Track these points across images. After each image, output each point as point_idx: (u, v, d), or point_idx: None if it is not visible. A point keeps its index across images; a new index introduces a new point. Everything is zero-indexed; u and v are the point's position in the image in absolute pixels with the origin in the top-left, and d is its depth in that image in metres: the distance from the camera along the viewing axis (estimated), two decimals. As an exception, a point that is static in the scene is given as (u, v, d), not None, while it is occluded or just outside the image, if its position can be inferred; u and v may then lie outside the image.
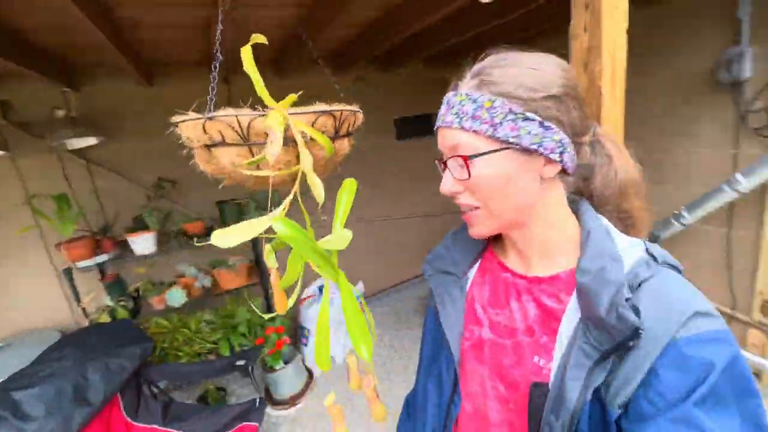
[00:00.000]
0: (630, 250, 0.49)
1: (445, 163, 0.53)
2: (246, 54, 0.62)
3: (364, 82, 3.20)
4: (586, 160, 0.55)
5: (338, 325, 2.78)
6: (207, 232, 2.34)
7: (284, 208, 0.59)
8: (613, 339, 0.43)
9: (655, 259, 0.48)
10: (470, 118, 0.49)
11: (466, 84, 0.51)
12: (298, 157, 0.62)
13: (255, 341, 2.30)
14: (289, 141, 0.63)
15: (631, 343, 0.42)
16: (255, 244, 2.54)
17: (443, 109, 0.53)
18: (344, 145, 0.78)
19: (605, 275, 0.46)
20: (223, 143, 0.66)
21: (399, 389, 2.41)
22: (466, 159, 0.49)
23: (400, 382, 2.49)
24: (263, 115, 0.62)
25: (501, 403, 0.56)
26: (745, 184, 1.83)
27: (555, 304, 0.52)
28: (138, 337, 1.75)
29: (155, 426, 1.78)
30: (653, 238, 2.17)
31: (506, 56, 0.51)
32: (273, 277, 0.63)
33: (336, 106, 0.69)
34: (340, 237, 0.56)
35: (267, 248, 0.64)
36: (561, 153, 0.50)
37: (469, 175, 0.50)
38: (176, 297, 2.14)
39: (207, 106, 0.88)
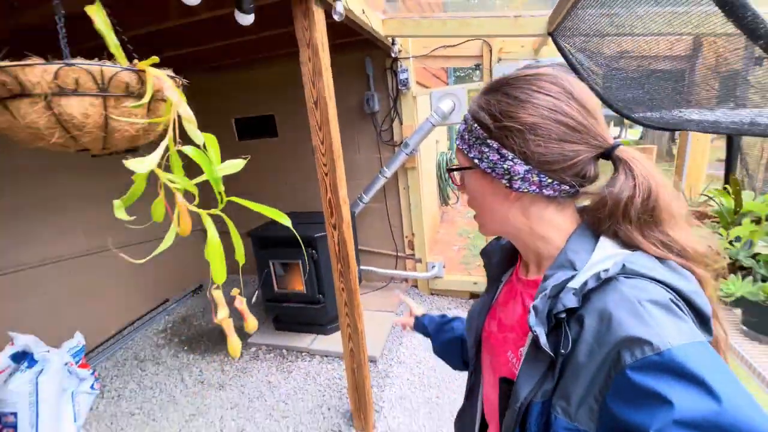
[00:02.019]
0: (600, 264, 0.48)
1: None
2: (95, 11, 0.71)
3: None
4: (589, 184, 0.53)
5: (62, 395, 2.12)
6: None
7: (168, 146, 0.73)
8: (538, 341, 0.46)
9: (608, 270, 0.45)
10: (460, 137, 0.58)
11: (476, 102, 0.57)
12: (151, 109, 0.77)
13: None
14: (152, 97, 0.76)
15: (562, 351, 0.44)
16: None
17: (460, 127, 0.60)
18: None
19: (546, 283, 0.49)
20: (75, 92, 0.69)
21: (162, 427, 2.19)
22: (450, 170, 0.61)
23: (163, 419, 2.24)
24: (134, 70, 0.72)
25: (491, 388, 0.63)
26: (388, 173, 3.04)
27: None
28: None
29: None
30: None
31: (507, 79, 0.54)
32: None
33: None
34: (233, 164, 0.78)
35: (117, 203, 0.73)
36: (509, 180, 0.53)
37: (462, 183, 0.61)
38: None
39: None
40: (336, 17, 1.50)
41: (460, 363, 0.91)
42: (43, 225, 2.66)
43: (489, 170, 0.54)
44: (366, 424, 2.00)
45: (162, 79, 0.75)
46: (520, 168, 0.51)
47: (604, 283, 0.45)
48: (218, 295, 0.90)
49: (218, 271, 0.81)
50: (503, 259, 0.69)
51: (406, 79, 2.90)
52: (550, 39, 2.07)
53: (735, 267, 1.24)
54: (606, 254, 0.49)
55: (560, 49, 2.02)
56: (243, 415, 2.18)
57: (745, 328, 1.13)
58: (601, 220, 0.51)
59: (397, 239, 3.43)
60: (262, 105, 3.49)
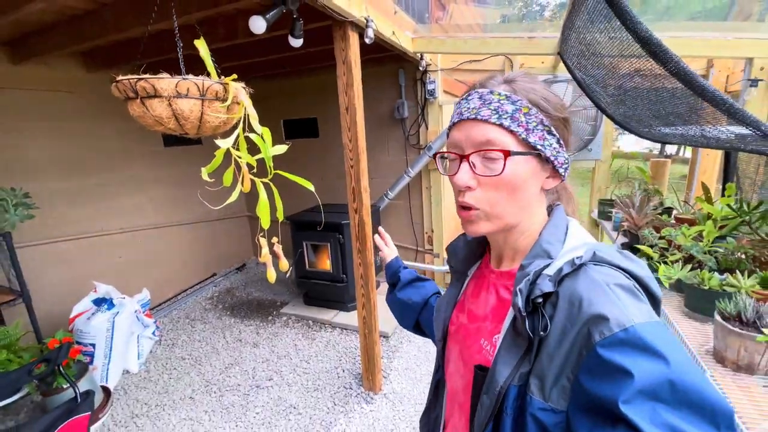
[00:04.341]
0: (574, 250, 0.51)
1: (462, 157, 0.54)
2: (201, 45, 1.10)
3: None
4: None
5: (130, 336, 2.63)
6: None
7: (239, 134, 1.11)
8: (525, 332, 0.47)
9: (582, 257, 0.48)
10: (509, 118, 0.51)
11: (499, 86, 0.53)
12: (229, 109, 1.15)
13: (29, 360, 1.95)
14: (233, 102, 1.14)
15: (542, 333, 0.46)
16: (15, 264, 2.11)
17: (475, 102, 0.53)
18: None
19: (525, 269, 0.50)
20: (185, 96, 1.08)
21: (179, 404, 2.63)
22: (508, 154, 0.50)
23: (196, 375, 2.69)
24: (221, 83, 1.11)
25: (462, 379, 0.62)
26: (412, 172, 3.36)
27: (507, 296, 0.57)
28: None
29: None
30: (374, 210, 3.45)
31: (529, 74, 0.56)
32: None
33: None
34: (280, 148, 1.14)
35: (204, 169, 1.11)
36: (566, 169, 0.56)
37: (503, 171, 0.51)
38: None
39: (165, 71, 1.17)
40: (367, 40, 1.86)
41: (411, 325, 0.93)
42: (122, 200, 3.24)
43: (552, 158, 0.54)
44: (373, 385, 2.32)
45: (238, 89, 1.13)
46: (568, 158, 0.57)
47: (576, 269, 0.48)
48: (263, 241, 1.26)
49: (265, 222, 1.17)
50: (470, 253, 0.70)
51: (434, 89, 3.22)
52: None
53: (691, 259, 1.45)
54: (576, 244, 0.52)
55: (567, 67, 2.26)
56: (271, 368, 2.58)
57: (686, 309, 1.34)
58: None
59: (417, 234, 3.73)
60: (307, 108, 3.96)
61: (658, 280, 1.40)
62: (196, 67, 1.15)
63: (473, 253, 0.70)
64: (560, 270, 0.48)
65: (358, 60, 1.90)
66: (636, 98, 1.50)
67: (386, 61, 3.19)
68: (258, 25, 1.49)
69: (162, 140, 3.53)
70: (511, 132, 0.51)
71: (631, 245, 1.75)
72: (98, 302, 2.60)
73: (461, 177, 0.53)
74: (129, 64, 2.92)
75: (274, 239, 1.29)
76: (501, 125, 0.51)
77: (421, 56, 2.88)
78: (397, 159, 3.63)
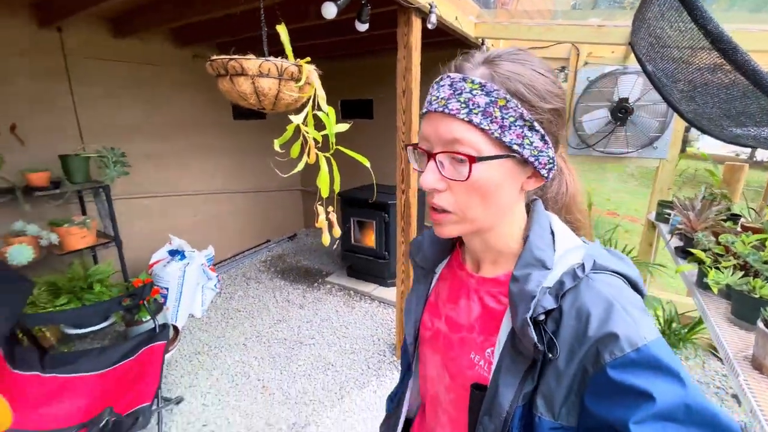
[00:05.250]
0: (568, 257, 0.47)
1: (430, 155, 0.47)
2: (282, 30, 1.23)
3: (202, 59, 3.43)
4: None
5: (196, 286, 2.99)
6: (54, 186, 2.18)
7: (308, 112, 1.24)
8: (529, 351, 0.44)
9: (583, 267, 0.45)
10: (481, 113, 0.43)
11: (476, 70, 0.45)
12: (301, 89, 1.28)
13: (118, 294, 2.31)
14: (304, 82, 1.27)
15: (550, 356, 0.42)
16: (111, 212, 2.48)
17: (445, 91, 0.45)
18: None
19: (526, 286, 0.45)
20: (266, 76, 1.23)
21: (234, 348, 2.92)
22: (474, 160, 0.44)
23: (250, 332, 2.99)
24: (296, 65, 1.25)
25: (447, 392, 0.58)
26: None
27: (495, 305, 0.53)
28: (15, 278, 1.65)
29: (37, 373, 1.72)
30: (421, 192, 3.53)
31: (518, 51, 0.47)
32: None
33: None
34: (342, 125, 1.26)
35: (276, 141, 1.26)
36: (549, 170, 0.48)
37: (468, 177, 0.44)
38: (22, 254, 1.95)
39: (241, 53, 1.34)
40: (429, 26, 1.91)
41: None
42: (195, 165, 3.60)
43: (532, 159, 0.46)
44: (406, 356, 2.47)
45: (311, 71, 1.26)
46: (554, 156, 0.48)
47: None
48: (321, 208, 1.41)
49: (324, 191, 1.29)
50: (437, 251, 0.65)
51: (493, 75, 3.19)
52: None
53: (746, 267, 1.40)
54: (567, 247, 0.49)
55: (638, 59, 2.15)
56: (314, 329, 2.82)
57: (732, 316, 1.31)
58: (548, 200, 0.58)
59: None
60: (364, 90, 4.08)
61: (707, 284, 1.38)
62: (263, 46, 1.30)
63: (440, 250, 0.65)
64: (561, 283, 0.45)
65: (419, 45, 1.97)
66: (706, 95, 1.43)
67: (444, 46, 3.19)
68: (329, 10, 1.61)
69: (231, 113, 3.84)
70: (483, 130, 0.44)
71: (684, 248, 1.70)
72: (172, 253, 2.97)
73: (427, 179, 0.47)
74: (207, 42, 3.19)
75: (330, 208, 1.44)
76: (471, 122, 0.43)
77: (483, 42, 2.86)
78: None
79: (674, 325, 2.29)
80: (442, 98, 0.45)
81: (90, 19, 2.67)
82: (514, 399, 0.45)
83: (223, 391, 2.22)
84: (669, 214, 2.24)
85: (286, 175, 1.28)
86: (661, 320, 2.31)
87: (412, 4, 1.79)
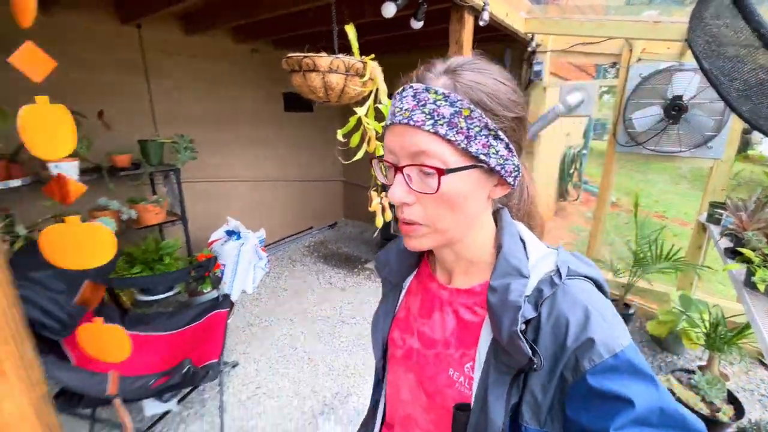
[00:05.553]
0: (541, 264, 0.48)
1: (397, 168, 0.46)
2: (350, 29, 1.36)
3: (259, 54, 3.67)
4: None
5: (248, 264, 3.24)
6: (134, 167, 2.47)
7: (370, 105, 1.37)
8: (516, 363, 0.44)
9: (559, 274, 0.46)
10: (446, 124, 0.43)
11: (438, 80, 0.45)
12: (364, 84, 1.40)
13: (183, 266, 2.58)
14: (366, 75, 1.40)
15: (534, 366, 0.42)
16: (180, 193, 2.76)
17: (409, 102, 0.44)
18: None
19: (508, 296, 0.45)
20: (335, 72, 1.37)
21: (282, 322, 3.13)
22: (443, 173, 0.43)
23: (294, 308, 3.20)
24: (362, 62, 1.38)
25: (425, 412, 0.56)
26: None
27: (471, 317, 0.52)
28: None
29: (120, 328, 1.99)
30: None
31: (477, 60, 0.47)
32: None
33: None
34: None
35: (339, 131, 1.39)
36: (515, 177, 0.48)
37: (438, 190, 0.44)
38: (108, 225, 2.24)
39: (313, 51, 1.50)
40: (481, 23, 1.98)
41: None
42: (249, 153, 3.87)
43: (499, 168, 0.46)
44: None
45: (374, 67, 1.39)
46: (518, 163, 0.49)
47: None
48: (375, 194, 1.53)
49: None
50: (404, 263, 0.63)
51: (540, 71, 3.18)
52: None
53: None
54: (540, 254, 0.50)
55: (695, 56, 2.11)
56: (355, 309, 3.00)
57: (780, 315, 1.32)
58: (513, 208, 0.58)
59: (501, 216, 3.80)
60: (409, 83, 4.18)
61: (754, 283, 1.39)
62: (319, 41, 1.43)
63: (407, 262, 0.64)
64: (540, 291, 0.46)
65: (470, 41, 2.04)
66: (761, 95, 1.41)
67: (492, 40, 3.22)
68: (389, 9, 1.73)
69: (283, 105, 4.07)
70: (449, 141, 0.43)
71: (733, 249, 1.69)
72: (229, 233, 3.23)
73: (396, 193, 0.46)
74: (264, 38, 3.40)
75: (382, 194, 1.57)
76: (436, 133, 0.43)
77: (532, 37, 2.87)
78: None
79: (720, 328, 2.24)
80: (406, 109, 0.44)
81: (165, 18, 2.95)
82: (506, 413, 0.44)
83: (273, 359, 2.44)
84: (721, 215, 2.20)
85: (346, 162, 1.41)
86: (707, 323, 2.27)
87: (466, 2, 1.87)
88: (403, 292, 0.64)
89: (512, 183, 0.49)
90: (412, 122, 0.43)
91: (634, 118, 2.75)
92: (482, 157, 0.44)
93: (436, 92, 0.43)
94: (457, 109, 0.43)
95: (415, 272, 0.64)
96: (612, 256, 3.30)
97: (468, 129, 0.43)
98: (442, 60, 0.48)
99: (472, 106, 0.43)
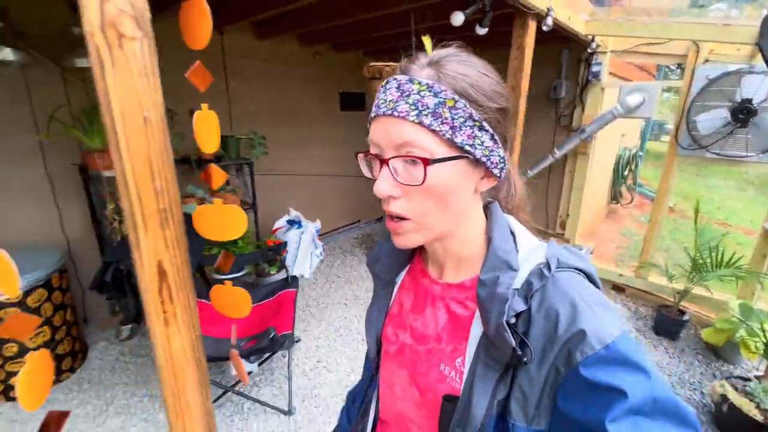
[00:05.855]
0: (531, 257, 0.48)
1: (382, 161, 0.46)
2: (426, 40, 1.52)
3: (321, 57, 3.93)
4: None
5: (306, 251, 3.52)
6: (217, 159, 2.79)
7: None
8: (504, 356, 0.44)
9: (549, 266, 0.46)
10: (431, 114, 0.42)
11: (422, 71, 0.44)
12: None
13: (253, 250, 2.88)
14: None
15: (525, 360, 0.42)
16: (253, 184, 3.07)
17: (393, 94, 0.44)
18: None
19: (496, 289, 0.45)
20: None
21: (337, 306, 3.35)
22: (429, 163, 0.43)
23: (349, 292, 3.43)
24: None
25: (418, 408, 0.56)
26: (558, 154, 3.44)
27: (462, 311, 0.52)
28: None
29: (203, 301, 2.29)
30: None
31: (461, 53, 0.47)
32: None
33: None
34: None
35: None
36: (501, 169, 0.48)
37: (424, 181, 0.43)
38: (194, 210, 2.56)
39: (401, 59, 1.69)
40: (545, 28, 2.06)
41: None
42: (307, 149, 4.14)
43: (484, 159, 0.46)
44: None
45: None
46: (504, 155, 0.49)
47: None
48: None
49: None
50: (395, 260, 0.63)
51: (599, 71, 3.17)
52: None
53: None
54: (530, 247, 0.50)
55: (765, 59, 2.07)
56: (405, 299, 3.17)
57: None
58: (502, 200, 0.58)
59: (550, 217, 3.82)
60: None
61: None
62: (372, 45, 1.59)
63: (399, 259, 0.63)
64: (530, 284, 0.46)
65: (532, 46, 2.13)
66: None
67: (550, 41, 3.25)
68: (458, 18, 1.86)
69: (339, 104, 4.30)
70: (434, 131, 0.43)
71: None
72: (291, 222, 3.52)
73: (381, 185, 0.46)
74: (326, 42, 3.63)
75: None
76: (421, 123, 0.43)
77: (593, 38, 2.88)
78: (542, 138, 3.71)
79: (784, 339, 2.19)
80: (390, 101, 0.44)
81: (242, 25, 3.25)
82: (488, 408, 0.44)
83: (331, 338, 2.67)
84: (790, 223, 2.14)
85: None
86: (767, 334, 2.22)
87: (531, 9, 1.97)
88: (396, 288, 0.64)
89: (498, 175, 0.49)
90: (396, 113, 0.43)
91: (698, 120, 2.69)
92: (468, 147, 0.44)
93: (420, 83, 0.43)
94: (442, 99, 0.43)
95: (407, 268, 0.64)
96: (667, 262, 3.24)
97: (453, 119, 0.43)
98: (424, 55, 0.48)
99: (456, 97, 0.43)
